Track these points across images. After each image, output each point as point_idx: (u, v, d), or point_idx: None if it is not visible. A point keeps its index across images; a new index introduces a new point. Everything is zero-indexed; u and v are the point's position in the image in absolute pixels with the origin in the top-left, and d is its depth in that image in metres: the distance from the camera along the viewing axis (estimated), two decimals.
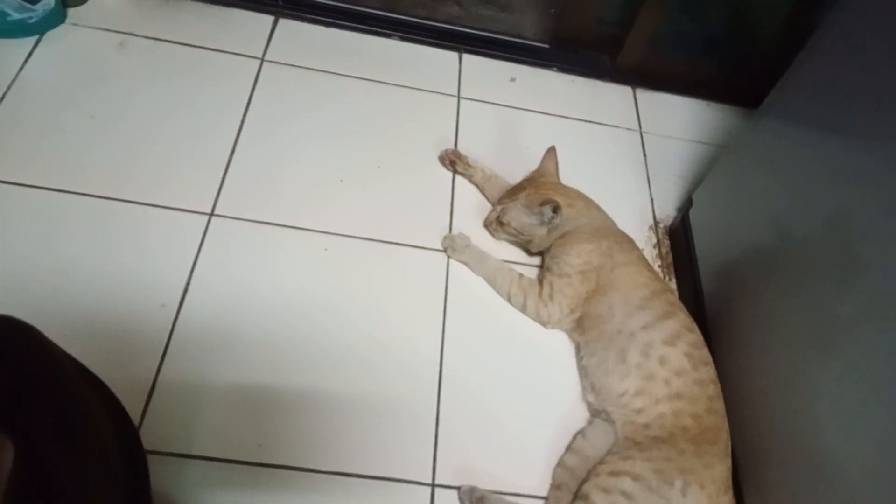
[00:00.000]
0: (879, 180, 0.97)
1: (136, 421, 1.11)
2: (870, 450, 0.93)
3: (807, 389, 1.06)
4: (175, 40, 1.64)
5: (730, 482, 1.14)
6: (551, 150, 1.48)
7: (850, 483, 0.94)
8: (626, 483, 1.09)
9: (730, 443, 1.17)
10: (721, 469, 1.13)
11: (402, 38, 1.81)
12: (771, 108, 1.27)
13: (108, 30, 1.62)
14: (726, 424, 1.18)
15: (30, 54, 1.52)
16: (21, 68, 1.49)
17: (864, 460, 0.93)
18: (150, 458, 1.08)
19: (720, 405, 1.20)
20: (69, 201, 1.33)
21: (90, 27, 1.61)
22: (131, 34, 1.62)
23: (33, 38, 1.54)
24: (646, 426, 1.17)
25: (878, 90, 1.00)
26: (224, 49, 1.65)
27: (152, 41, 1.63)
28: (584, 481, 1.14)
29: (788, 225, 1.18)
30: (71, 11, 1.62)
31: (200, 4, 1.73)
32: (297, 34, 1.74)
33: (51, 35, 1.57)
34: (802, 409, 1.07)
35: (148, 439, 1.10)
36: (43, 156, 1.38)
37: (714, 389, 1.20)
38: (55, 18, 1.57)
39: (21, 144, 1.39)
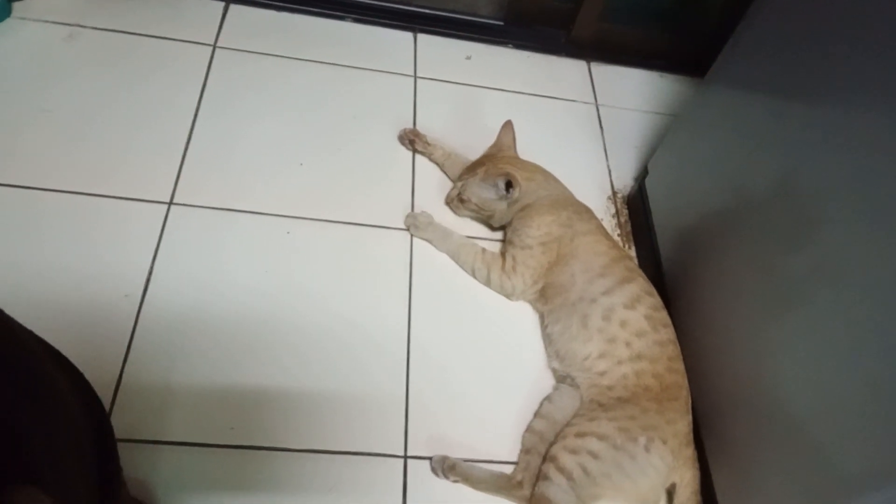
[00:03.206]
0: (825, 140, 1.01)
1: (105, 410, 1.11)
2: (820, 400, 0.97)
3: (761, 345, 1.11)
4: (125, 30, 1.62)
5: (691, 436, 1.18)
6: (508, 124, 1.50)
7: (802, 432, 0.99)
8: (592, 443, 1.12)
9: (690, 399, 1.22)
10: (682, 424, 1.17)
11: (357, 20, 1.81)
12: (717, 74, 1.30)
13: (55, 22, 1.59)
14: (686, 382, 1.23)
15: None
16: None
17: (815, 411, 0.97)
18: (123, 446, 1.08)
19: (680, 364, 1.24)
20: (27, 196, 1.31)
21: (37, 20, 1.58)
22: (80, 25, 1.60)
23: None
24: (609, 388, 1.20)
25: (818, 51, 1.03)
26: (175, 37, 1.63)
27: (102, 32, 1.60)
28: (552, 444, 1.17)
29: (741, 188, 1.21)
30: (16, 5, 1.58)
31: None
32: (249, 19, 1.73)
33: None
34: (757, 364, 1.11)
35: (119, 427, 1.09)
36: None
37: (673, 349, 1.24)
38: (1, 13, 1.53)
39: None
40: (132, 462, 1.08)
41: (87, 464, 0.71)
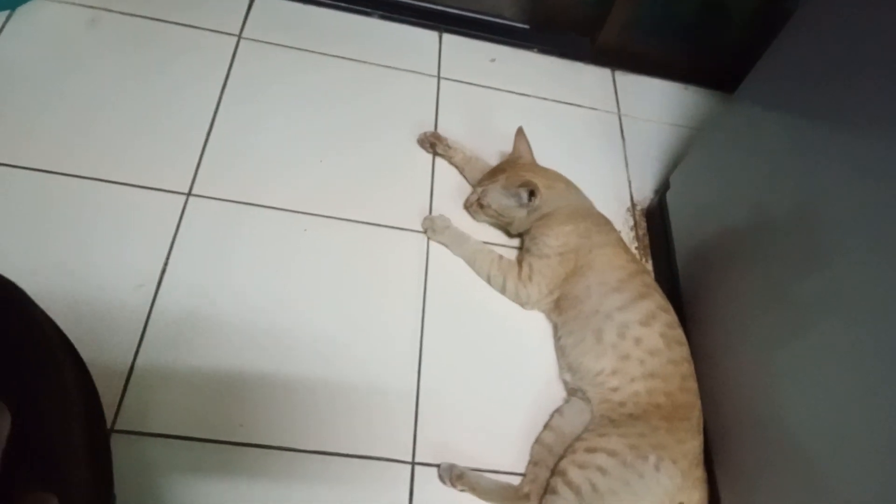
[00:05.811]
0: (849, 168, 1.00)
1: (115, 401, 1.11)
2: (827, 426, 0.97)
3: (771, 369, 1.10)
4: (149, 16, 1.61)
5: (701, 457, 1.17)
6: (520, 131, 1.48)
7: (808, 458, 0.99)
8: (601, 458, 1.12)
9: (702, 420, 1.21)
10: (693, 444, 1.16)
11: (383, 17, 1.79)
12: (746, 92, 1.29)
13: (80, 5, 1.58)
14: (699, 402, 1.22)
15: (0, 30, 1.48)
16: None
17: (820, 437, 0.97)
18: (132, 438, 1.10)
19: (693, 384, 1.23)
20: (42, 180, 1.30)
21: (62, 2, 1.57)
22: (104, 9, 1.58)
23: (4, 14, 1.50)
24: (621, 404, 1.20)
25: (849, 78, 1.02)
26: (200, 25, 1.62)
27: (125, 16, 1.59)
28: (561, 458, 1.17)
29: (761, 209, 1.20)
30: None
31: None
32: (276, 11, 1.71)
33: (22, 10, 1.52)
34: (766, 387, 1.11)
35: (129, 419, 1.11)
36: (14, 134, 1.35)
37: (687, 368, 1.23)
38: None
39: None
40: (140, 454, 1.08)
41: (85, 465, 0.69)
